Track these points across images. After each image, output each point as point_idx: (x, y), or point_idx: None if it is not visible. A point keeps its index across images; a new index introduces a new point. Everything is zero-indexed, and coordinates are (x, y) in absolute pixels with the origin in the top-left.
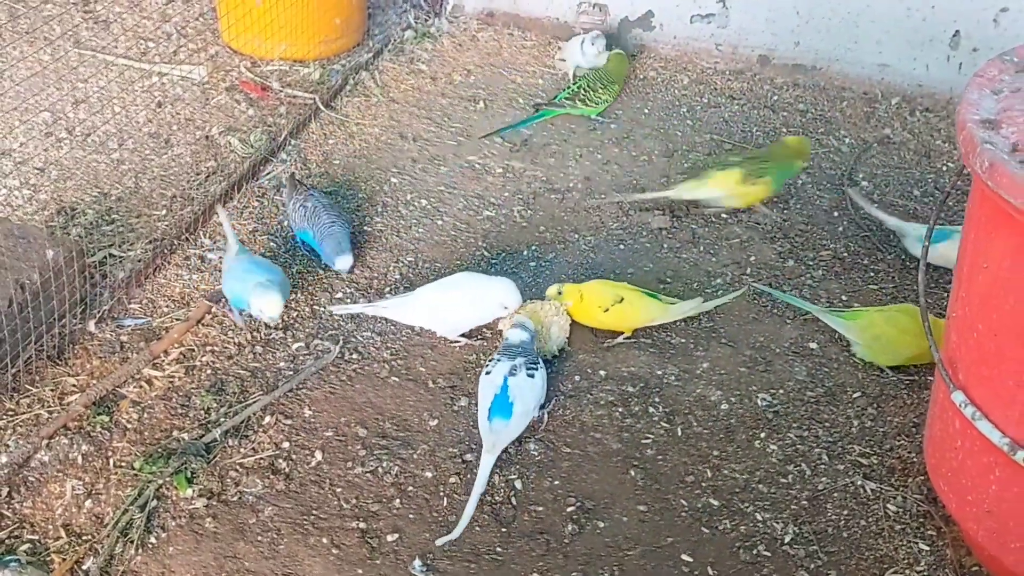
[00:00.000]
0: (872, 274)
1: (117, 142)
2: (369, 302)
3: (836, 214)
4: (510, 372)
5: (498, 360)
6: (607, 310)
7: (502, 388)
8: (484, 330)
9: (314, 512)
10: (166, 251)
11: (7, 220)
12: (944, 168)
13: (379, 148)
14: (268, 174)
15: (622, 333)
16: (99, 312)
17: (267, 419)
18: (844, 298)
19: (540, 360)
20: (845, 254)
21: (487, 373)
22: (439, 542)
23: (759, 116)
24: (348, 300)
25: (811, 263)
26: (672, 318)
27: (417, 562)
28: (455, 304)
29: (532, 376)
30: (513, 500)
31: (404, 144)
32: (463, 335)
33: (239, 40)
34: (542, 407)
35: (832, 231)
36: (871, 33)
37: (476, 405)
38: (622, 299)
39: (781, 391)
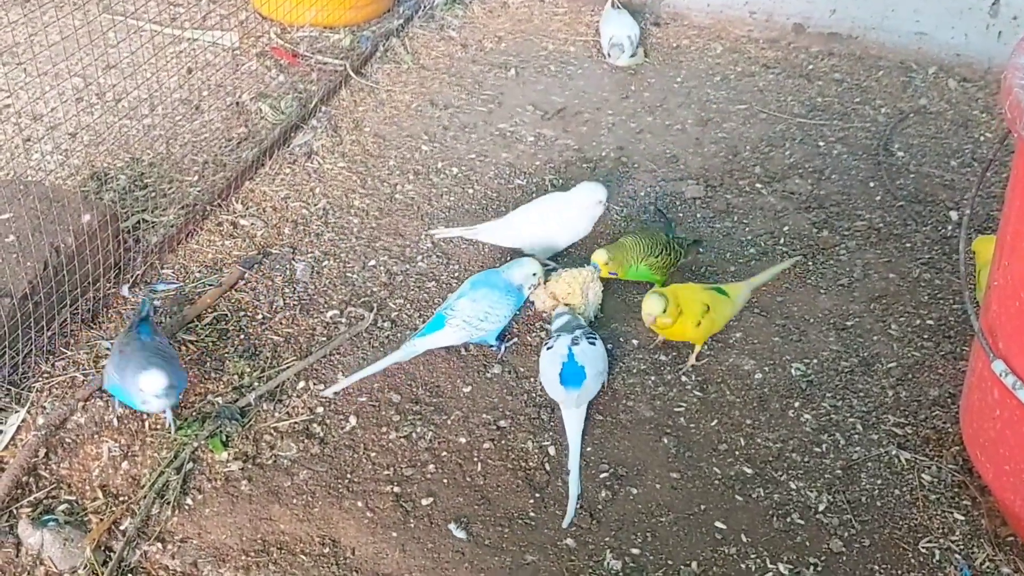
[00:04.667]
0: (908, 245)
1: (148, 107)
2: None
3: (872, 184)
4: (572, 342)
5: (557, 336)
6: (699, 324)
7: (568, 357)
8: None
9: (348, 476)
10: (198, 217)
11: (41, 184)
12: (982, 138)
13: (409, 115)
14: (299, 141)
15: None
16: (132, 277)
17: (301, 384)
18: (880, 269)
19: (597, 335)
20: (881, 224)
21: (548, 348)
22: (565, 523)
23: (794, 85)
24: (381, 266)
25: (846, 233)
26: (738, 310)
27: (452, 525)
28: (543, 223)
29: (594, 344)
30: (546, 466)
31: (435, 111)
32: (552, 259)
33: (268, 6)
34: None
35: (868, 201)
36: (908, 1)
37: (511, 373)
38: (708, 308)
39: (815, 361)
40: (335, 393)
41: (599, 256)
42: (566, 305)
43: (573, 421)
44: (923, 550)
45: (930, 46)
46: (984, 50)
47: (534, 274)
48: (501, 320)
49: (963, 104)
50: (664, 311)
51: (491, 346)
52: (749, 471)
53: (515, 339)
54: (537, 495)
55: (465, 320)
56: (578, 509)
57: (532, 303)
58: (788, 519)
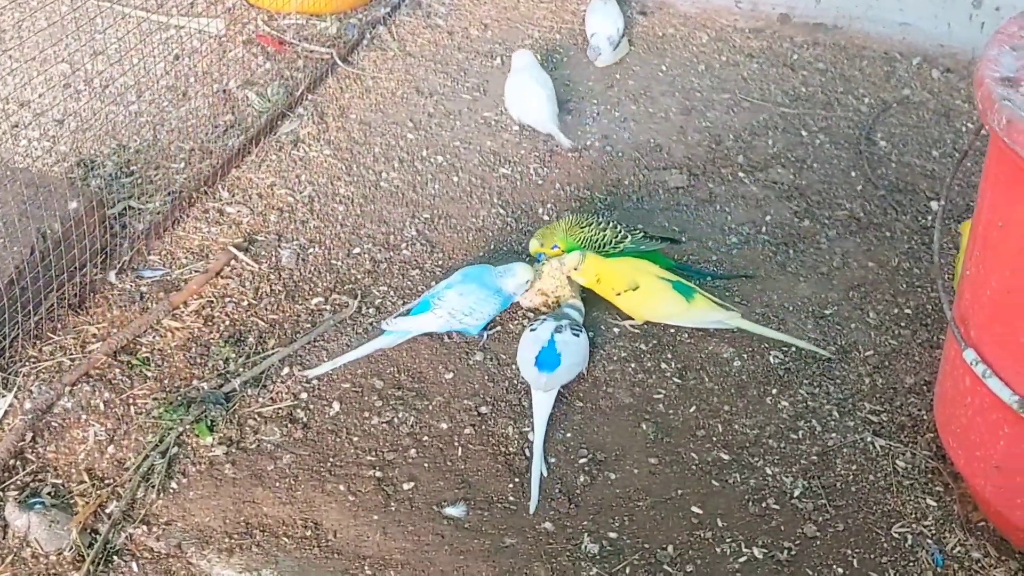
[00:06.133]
0: (888, 234)
1: (135, 94)
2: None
3: (853, 174)
4: (556, 330)
5: (543, 320)
6: (619, 294)
7: (549, 342)
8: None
9: (331, 460)
10: (185, 203)
11: (28, 170)
12: (963, 128)
13: (395, 103)
14: (286, 128)
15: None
16: (119, 263)
17: (285, 370)
18: (859, 257)
19: (583, 329)
20: (861, 214)
21: (532, 331)
22: (531, 508)
23: (778, 75)
24: (366, 254)
25: (827, 222)
26: (691, 322)
27: (435, 507)
28: (534, 93)
29: (577, 336)
30: (526, 452)
31: (420, 99)
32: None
33: None
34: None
35: (849, 191)
36: None
37: (492, 360)
38: (637, 287)
39: (792, 349)
40: (318, 377)
41: (531, 246)
42: (557, 299)
43: (541, 405)
44: (896, 535)
45: (914, 36)
46: (967, 40)
47: (527, 281)
48: (484, 318)
49: (945, 94)
50: (576, 267)
51: (471, 335)
52: (726, 457)
53: (497, 327)
54: (516, 480)
55: (450, 312)
56: (550, 491)
57: (519, 303)
58: (764, 504)
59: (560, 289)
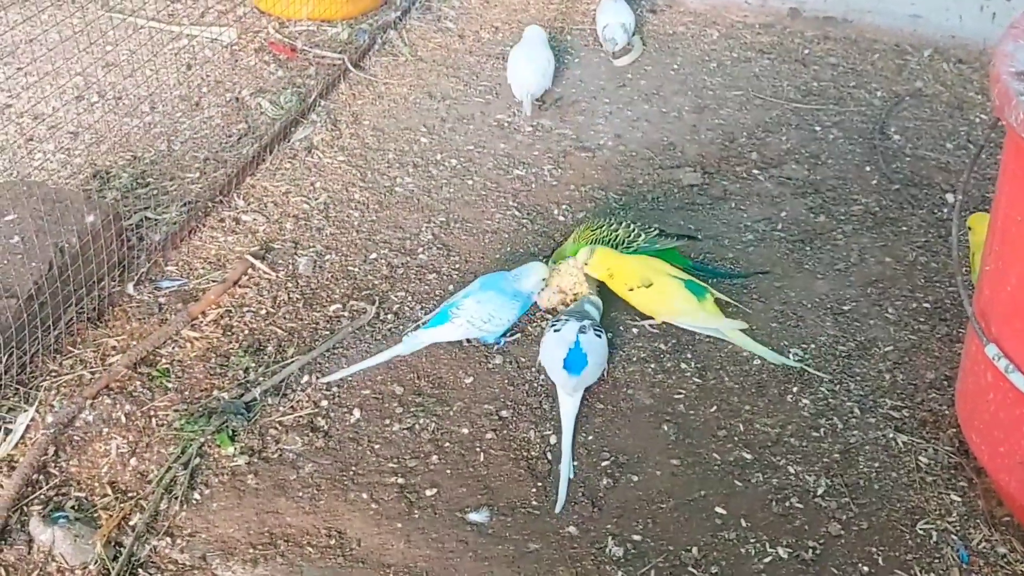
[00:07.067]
0: (904, 228)
1: (148, 105)
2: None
3: (868, 169)
4: (580, 330)
5: (566, 320)
6: (632, 290)
7: (575, 343)
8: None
9: (353, 468)
10: (200, 213)
11: (44, 184)
12: (977, 120)
13: (408, 108)
14: (299, 135)
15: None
16: (137, 275)
17: (305, 378)
18: (876, 253)
19: (604, 329)
20: (877, 209)
21: (555, 331)
22: (557, 508)
23: (789, 70)
24: (382, 259)
25: (842, 218)
26: (701, 323)
27: (458, 514)
28: (526, 65)
29: (599, 337)
30: (548, 455)
31: (433, 103)
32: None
33: (266, 1)
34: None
35: (864, 186)
36: None
37: (512, 363)
38: (651, 284)
39: (812, 346)
40: (334, 381)
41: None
42: (575, 296)
43: (568, 406)
44: (920, 531)
45: (925, 28)
46: (979, 31)
47: (543, 279)
48: (504, 324)
49: (958, 86)
50: (586, 262)
51: (489, 344)
52: (748, 456)
53: (517, 333)
54: (539, 484)
55: (469, 320)
56: (573, 494)
57: (536, 304)
58: (787, 503)
59: (578, 286)
